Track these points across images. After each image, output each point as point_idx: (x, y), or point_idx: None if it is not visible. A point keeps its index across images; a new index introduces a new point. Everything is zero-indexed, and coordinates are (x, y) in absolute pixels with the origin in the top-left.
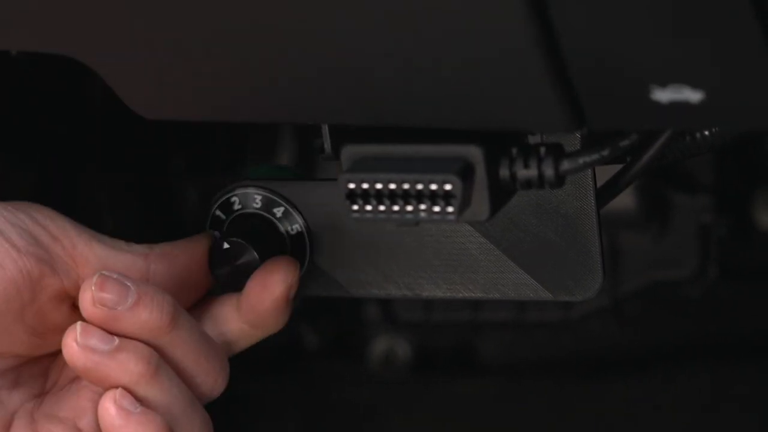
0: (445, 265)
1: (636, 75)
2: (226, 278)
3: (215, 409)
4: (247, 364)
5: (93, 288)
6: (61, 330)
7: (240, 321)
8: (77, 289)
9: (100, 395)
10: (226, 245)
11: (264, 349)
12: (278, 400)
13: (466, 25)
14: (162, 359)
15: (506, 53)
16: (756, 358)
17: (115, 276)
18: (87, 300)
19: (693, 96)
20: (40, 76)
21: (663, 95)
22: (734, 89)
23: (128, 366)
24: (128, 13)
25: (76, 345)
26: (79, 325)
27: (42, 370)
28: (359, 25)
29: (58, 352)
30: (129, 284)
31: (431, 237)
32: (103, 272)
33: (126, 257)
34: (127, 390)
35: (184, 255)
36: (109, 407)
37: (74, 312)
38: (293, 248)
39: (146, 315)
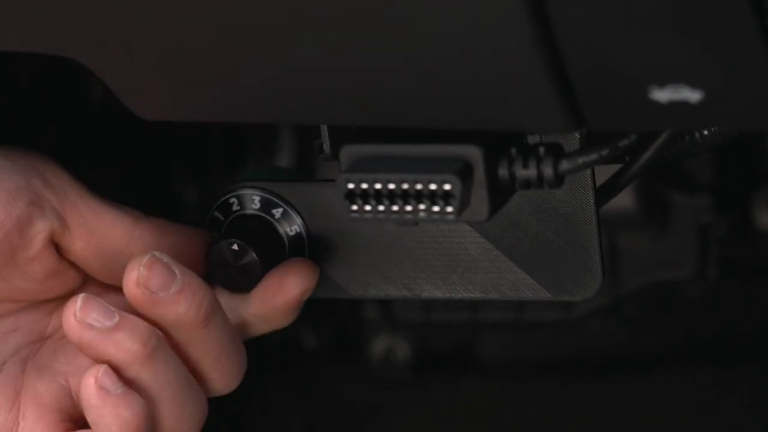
0: (444, 266)
1: (635, 75)
2: (224, 279)
3: (216, 409)
4: (247, 365)
5: (141, 268)
6: (58, 275)
7: (246, 313)
8: (65, 236)
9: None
10: (224, 246)
11: (264, 349)
12: (278, 400)
13: (465, 24)
14: (161, 341)
15: (505, 53)
16: (756, 358)
17: (165, 260)
18: (132, 279)
19: (692, 96)
20: (39, 76)
21: (662, 95)
22: (733, 89)
23: (124, 345)
24: (126, 14)
25: (74, 319)
26: (80, 298)
27: (44, 314)
28: (357, 26)
29: (60, 297)
30: (176, 272)
31: (430, 237)
32: (155, 253)
33: (116, 213)
34: (120, 368)
35: (174, 236)
36: (89, 384)
37: (65, 259)
38: (292, 249)
39: (184, 308)
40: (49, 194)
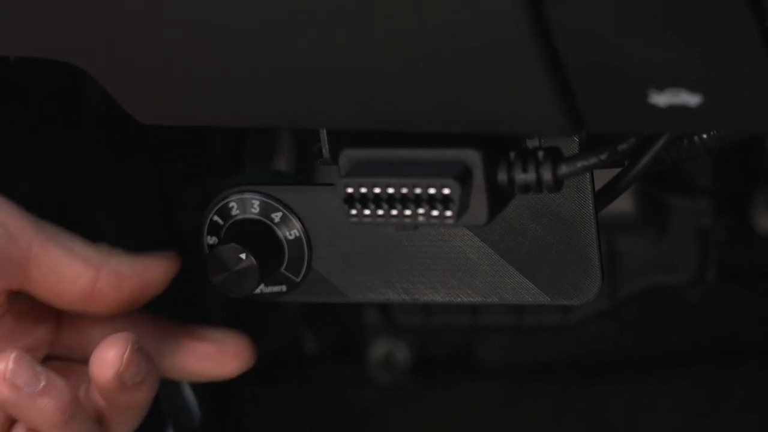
0: (444, 270)
1: (634, 79)
2: (223, 285)
3: (217, 412)
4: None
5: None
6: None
7: (176, 369)
8: (20, 287)
9: None
10: (223, 251)
11: (264, 353)
12: (278, 404)
13: (464, 28)
14: (80, 406)
15: (504, 56)
16: (755, 362)
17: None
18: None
19: (691, 99)
20: (39, 79)
21: (661, 99)
22: (732, 92)
23: (46, 412)
24: (125, 19)
25: (3, 378)
26: (12, 359)
27: None
28: (356, 30)
29: None
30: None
31: (430, 241)
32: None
33: (75, 267)
34: (39, 428)
35: (135, 278)
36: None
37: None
38: (291, 254)
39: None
40: (13, 250)
